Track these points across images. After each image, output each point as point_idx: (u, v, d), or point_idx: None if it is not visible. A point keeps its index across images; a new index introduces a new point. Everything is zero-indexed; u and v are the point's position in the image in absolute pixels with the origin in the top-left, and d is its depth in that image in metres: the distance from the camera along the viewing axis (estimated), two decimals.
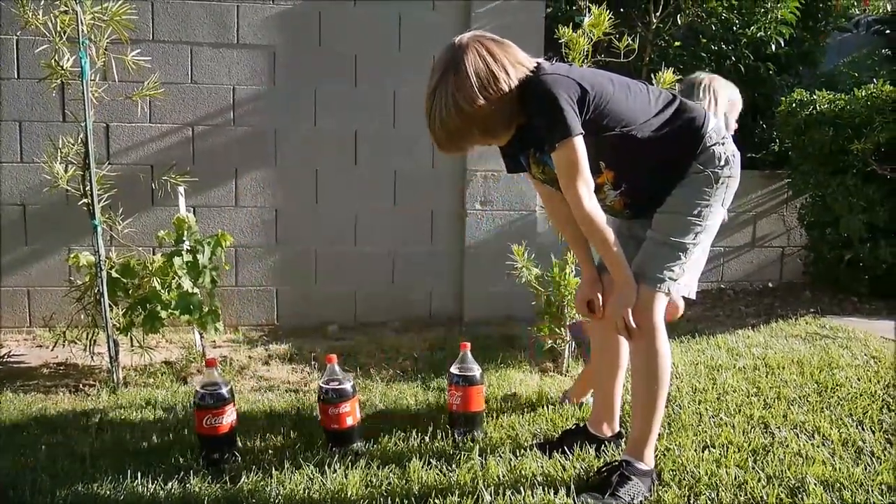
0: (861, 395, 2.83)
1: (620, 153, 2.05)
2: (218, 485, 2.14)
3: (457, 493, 2.04)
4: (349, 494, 2.07)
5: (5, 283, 3.88)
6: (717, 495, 2.04)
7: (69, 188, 3.09)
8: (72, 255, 3.14)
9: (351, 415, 2.39)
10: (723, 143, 2.08)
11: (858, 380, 3.03)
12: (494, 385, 3.03)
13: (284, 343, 3.78)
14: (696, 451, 2.33)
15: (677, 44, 5.16)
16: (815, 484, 2.08)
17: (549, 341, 3.27)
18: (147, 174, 3.88)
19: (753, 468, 2.20)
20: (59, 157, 3.07)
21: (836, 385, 2.96)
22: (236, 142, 4.02)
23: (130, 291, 3.14)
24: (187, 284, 3.14)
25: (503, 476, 2.16)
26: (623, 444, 2.33)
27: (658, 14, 4.86)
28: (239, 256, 4.07)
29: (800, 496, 2.03)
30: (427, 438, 2.45)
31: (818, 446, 2.36)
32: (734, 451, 2.32)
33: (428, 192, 4.19)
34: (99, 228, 3.03)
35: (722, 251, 4.97)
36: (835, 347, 3.59)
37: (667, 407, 2.50)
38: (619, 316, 2.04)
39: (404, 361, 3.49)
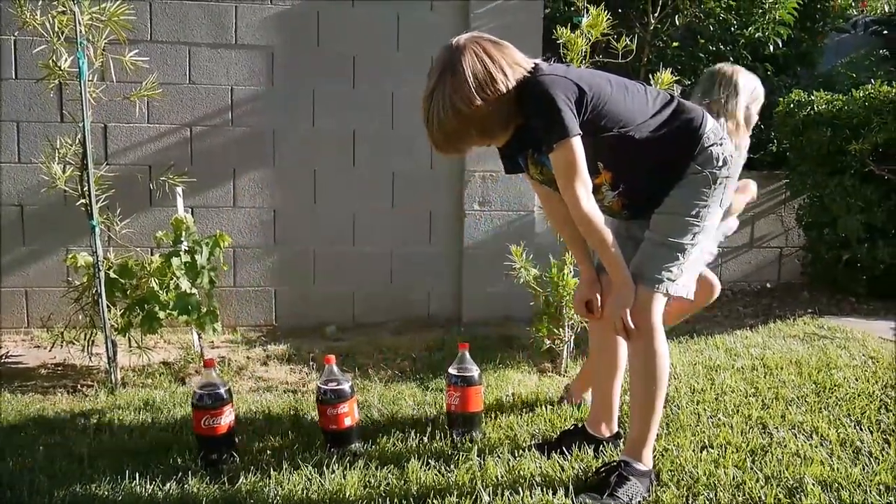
0: (859, 396, 2.84)
1: (618, 154, 2.05)
2: (216, 485, 2.14)
3: (455, 493, 2.04)
4: (347, 495, 2.07)
5: (3, 283, 3.87)
6: (716, 495, 2.05)
7: (67, 189, 3.09)
8: (70, 256, 3.14)
9: (349, 415, 2.39)
10: (721, 144, 2.09)
11: (856, 380, 3.03)
12: (493, 385, 3.03)
13: (283, 343, 3.77)
14: (694, 451, 2.33)
15: (675, 44, 5.17)
16: (814, 484, 2.09)
17: (548, 342, 3.27)
18: (145, 175, 3.87)
19: (751, 468, 2.21)
20: (56, 158, 3.07)
21: (835, 385, 2.97)
22: (234, 142, 4.02)
23: (128, 292, 3.14)
24: (185, 285, 3.14)
25: (502, 476, 2.16)
26: (621, 444, 2.33)
27: (656, 15, 4.86)
28: (237, 257, 4.06)
29: (798, 496, 2.03)
30: (425, 439, 2.45)
31: (816, 446, 2.37)
32: (732, 452, 2.32)
33: (426, 192, 4.19)
34: (97, 229, 3.02)
35: (720, 252, 4.97)
36: (833, 348, 3.59)
37: (665, 407, 2.50)
38: (618, 317, 2.04)
39: (403, 362, 3.49)
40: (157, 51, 3.85)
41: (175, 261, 3.13)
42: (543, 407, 2.76)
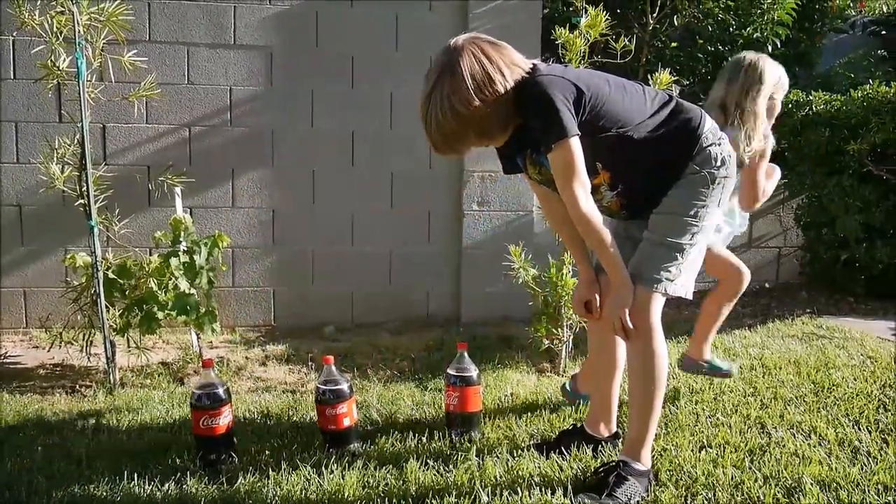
0: (857, 395, 2.84)
1: (617, 154, 2.05)
2: (215, 486, 2.14)
3: (454, 493, 2.04)
4: (346, 495, 2.07)
5: (2, 283, 3.86)
6: (714, 495, 2.05)
7: (65, 189, 3.09)
8: (68, 256, 3.14)
9: (348, 415, 2.39)
10: (719, 144, 2.09)
11: (855, 380, 3.04)
12: (492, 385, 3.03)
13: (281, 344, 3.77)
14: (692, 451, 2.33)
15: (674, 45, 5.17)
16: (812, 484, 2.09)
17: (547, 342, 3.27)
18: (144, 175, 3.87)
19: (750, 468, 2.21)
20: (55, 158, 3.07)
21: (833, 385, 2.97)
22: (233, 142, 4.02)
23: (127, 292, 3.14)
24: (184, 285, 3.14)
25: (500, 476, 2.16)
26: (620, 444, 2.33)
27: (655, 15, 4.87)
28: (236, 257, 4.06)
29: (796, 496, 2.04)
30: (424, 439, 2.45)
31: (815, 446, 2.37)
32: (731, 452, 2.32)
33: (425, 192, 4.19)
34: (95, 229, 3.02)
35: None
36: (831, 348, 3.59)
37: (663, 407, 2.50)
38: (616, 317, 2.04)
39: (401, 362, 3.49)
40: (155, 51, 3.85)
41: (174, 261, 3.13)
42: (542, 407, 2.77)
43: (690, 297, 2.12)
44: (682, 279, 2.08)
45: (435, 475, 2.17)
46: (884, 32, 6.23)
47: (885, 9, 6.46)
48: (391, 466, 2.23)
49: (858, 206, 4.53)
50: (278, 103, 4.03)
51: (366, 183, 4.14)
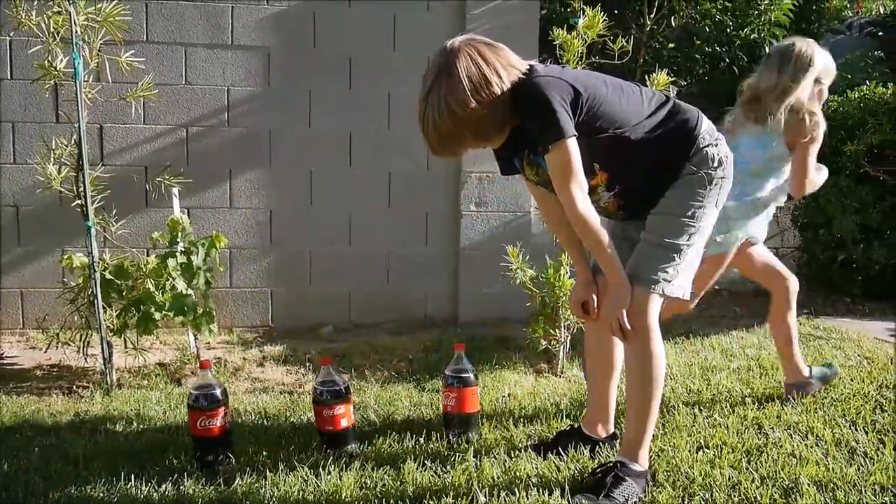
0: (854, 396, 2.84)
1: (614, 155, 2.05)
2: (212, 487, 2.14)
3: (451, 494, 2.04)
4: (344, 496, 2.07)
5: None
6: (711, 496, 2.05)
7: (63, 189, 3.08)
8: (65, 257, 3.14)
9: (345, 416, 2.39)
10: (716, 145, 2.09)
11: (851, 380, 3.04)
12: (489, 386, 3.03)
13: (279, 344, 3.77)
14: (690, 451, 2.33)
15: (671, 45, 5.17)
16: (809, 484, 2.09)
17: (544, 342, 3.27)
18: (141, 175, 3.87)
19: (747, 469, 2.21)
20: (52, 159, 3.06)
21: (830, 386, 2.97)
22: (231, 143, 4.01)
23: (124, 293, 3.14)
24: (181, 286, 3.13)
25: (498, 477, 2.16)
26: (617, 445, 2.33)
27: (652, 16, 4.87)
28: (233, 258, 4.06)
29: (793, 496, 2.04)
30: (422, 440, 2.45)
31: (812, 447, 2.37)
32: (728, 452, 2.32)
33: (423, 193, 4.19)
34: (92, 230, 3.02)
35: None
36: (828, 348, 3.60)
37: (661, 408, 2.50)
38: (614, 317, 2.04)
39: (399, 363, 3.49)
40: (153, 51, 3.84)
41: (171, 262, 3.13)
42: (540, 408, 2.77)
43: (688, 297, 2.12)
44: (679, 280, 2.08)
45: (432, 476, 2.17)
46: (881, 33, 6.24)
47: (881, 10, 6.47)
48: (389, 467, 2.23)
49: (855, 207, 4.54)
50: (276, 104, 4.03)
51: (364, 183, 4.14)
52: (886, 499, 2.03)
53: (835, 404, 2.75)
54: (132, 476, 2.16)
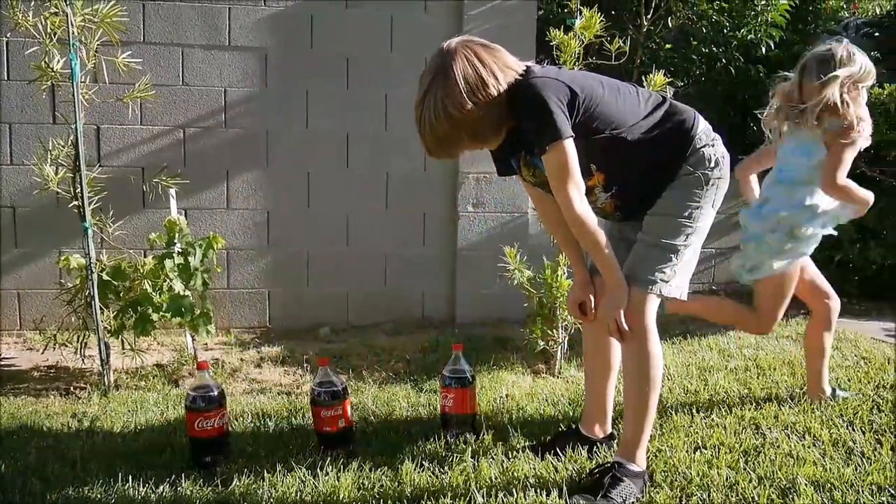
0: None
1: (611, 155, 2.06)
2: (209, 488, 2.13)
3: (449, 494, 2.04)
4: (341, 497, 2.07)
5: None
6: (709, 496, 2.05)
7: (59, 190, 3.08)
8: (62, 258, 3.13)
9: (343, 417, 2.39)
10: (713, 145, 2.10)
11: (849, 380, 3.04)
12: (487, 387, 3.03)
13: (276, 345, 3.77)
14: (687, 452, 2.33)
15: (668, 46, 5.18)
16: (806, 484, 2.09)
17: (542, 343, 3.27)
18: (138, 176, 3.86)
19: (745, 469, 2.21)
20: (49, 160, 3.05)
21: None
22: (228, 144, 4.01)
23: (121, 294, 3.13)
24: (179, 287, 3.13)
25: (495, 478, 2.16)
26: (615, 445, 2.33)
27: (649, 17, 4.88)
28: (231, 259, 4.06)
29: (791, 496, 2.04)
30: (419, 440, 2.45)
31: (809, 447, 2.37)
32: (725, 452, 2.32)
33: (420, 194, 4.19)
34: (89, 231, 3.01)
35: (713, 252, 4.99)
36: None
37: (658, 408, 2.50)
38: (611, 318, 2.04)
39: (396, 364, 3.49)
40: (150, 52, 3.84)
41: (168, 263, 3.12)
42: (537, 408, 2.77)
43: (685, 298, 2.13)
44: (676, 280, 2.08)
45: (430, 477, 2.17)
46: (877, 34, 6.25)
47: (878, 10, 6.48)
48: (386, 468, 2.23)
49: None
50: (273, 104, 4.03)
51: (361, 184, 4.14)
52: (884, 499, 2.04)
53: (832, 404, 2.75)
54: (130, 477, 2.16)
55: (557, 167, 1.93)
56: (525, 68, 1.97)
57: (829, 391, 2.80)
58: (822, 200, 2.56)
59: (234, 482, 2.15)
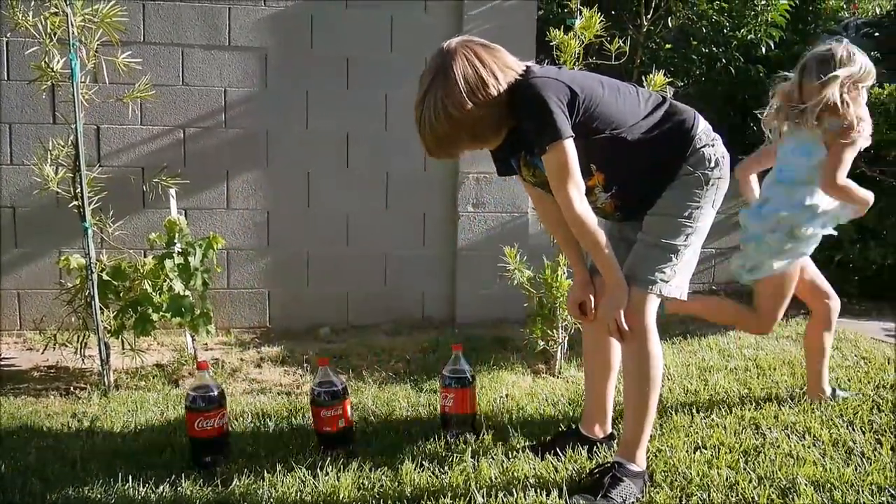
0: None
1: (611, 155, 2.06)
2: (209, 488, 2.13)
3: (449, 494, 2.04)
4: (341, 497, 2.07)
5: None
6: (709, 496, 2.05)
7: (59, 190, 3.08)
8: (62, 258, 3.13)
9: (343, 417, 2.39)
10: (713, 145, 2.10)
11: (849, 380, 3.04)
12: (487, 387, 3.03)
13: (276, 345, 3.77)
14: (687, 452, 2.33)
15: (668, 46, 5.18)
16: (806, 484, 2.09)
17: (542, 343, 3.27)
18: (138, 176, 3.86)
19: (745, 469, 2.21)
20: (49, 160, 3.05)
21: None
22: (228, 144, 4.01)
23: (121, 294, 3.13)
24: (179, 287, 3.13)
25: (495, 478, 2.16)
26: (615, 445, 2.33)
27: (649, 17, 4.88)
28: (231, 259, 4.06)
29: (791, 496, 2.04)
30: (419, 441, 2.45)
31: (809, 447, 2.37)
32: (725, 452, 2.32)
33: (420, 194, 4.19)
34: (89, 231, 3.01)
35: (713, 252, 4.99)
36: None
37: (658, 408, 2.50)
38: (611, 318, 2.04)
39: (396, 364, 3.49)
40: (150, 52, 3.84)
41: (168, 263, 3.12)
42: (537, 408, 2.77)
43: (685, 298, 2.13)
44: (676, 280, 2.08)
45: (430, 477, 2.17)
46: (877, 34, 6.25)
47: (878, 10, 6.48)
48: (386, 468, 2.23)
49: None
50: (273, 105, 4.02)
51: (361, 184, 4.14)
52: (884, 499, 2.04)
53: (832, 404, 2.75)
54: (130, 477, 2.16)
55: (557, 167, 1.93)
56: (525, 68, 1.97)
57: (829, 391, 2.80)
58: (822, 200, 2.56)
59: (234, 482, 2.15)
